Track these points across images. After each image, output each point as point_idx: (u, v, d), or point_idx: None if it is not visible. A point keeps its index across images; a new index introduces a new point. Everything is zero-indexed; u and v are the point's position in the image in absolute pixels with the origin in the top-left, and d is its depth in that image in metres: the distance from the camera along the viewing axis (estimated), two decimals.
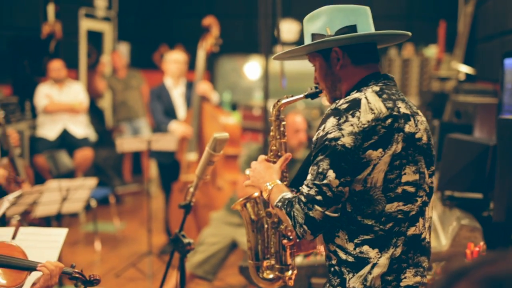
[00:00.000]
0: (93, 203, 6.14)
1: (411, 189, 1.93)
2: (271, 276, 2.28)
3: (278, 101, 2.21)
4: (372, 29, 2.04)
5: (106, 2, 9.18)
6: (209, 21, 5.80)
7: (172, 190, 5.81)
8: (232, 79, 10.05)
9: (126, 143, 5.34)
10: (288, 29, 9.25)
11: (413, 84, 8.04)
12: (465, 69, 6.57)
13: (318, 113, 7.88)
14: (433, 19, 8.29)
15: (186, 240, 2.68)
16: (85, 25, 8.70)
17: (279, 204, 1.97)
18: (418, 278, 1.96)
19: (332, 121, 1.87)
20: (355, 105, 1.88)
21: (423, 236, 1.98)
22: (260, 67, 9.71)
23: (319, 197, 1.85)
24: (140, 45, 9.90)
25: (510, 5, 5.06)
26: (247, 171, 2.24)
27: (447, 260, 2.97)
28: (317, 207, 1.85)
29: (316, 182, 1.86)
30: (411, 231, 1.94)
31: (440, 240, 3.13)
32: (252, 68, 9.85)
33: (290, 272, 2.26)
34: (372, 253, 1.91)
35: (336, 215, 1.88)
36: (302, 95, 2.16)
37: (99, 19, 9.10)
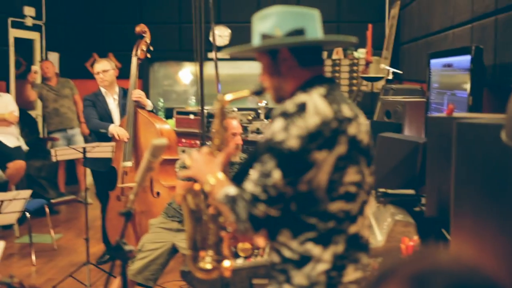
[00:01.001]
0: (28, 215, 6.02)
1: (352, 189, 1.99)
2: (208, 266, 2.30)
3: (224, 95, 2.22)
4: (319, 33, 2.08)
5: (35, 12, 9.01)
6: (141, 28, 5.79)
7: (109, 198, 5.76)
8: (166, 86, 10.03)
9: (60, 152, 5.26)
10: (219, 34, 9.31)
11: (343, 85, 8.21)
12: (392, 70, 6.77)
13: (252, 116, 7.94)
14: (361, 22, 8.49)
15: (127, 248, 2.67)
16: (14, 34, 8.52)
17: (223, 199, 1.99)
18: (359, 273, 2.02)
19: (279, 123, 1.91)
20: (302, 108, 1.91)
21: (362, 233, 2.06)
22: (191, 73, 9.75)
23: (263, 196, 1.88)
24: (70, 55, 9.73)
25: (433, 8, 5.26)
26: (187, 161, 2.23)
27: (383, 255, 3.07)
28: (260, 205, 1.88)
29: (261, 181, 1.89)
30: (352, 229, 2.01)
31: (376, 236, 3.23)
32: (185, 74, 9.86)
33: (227, 263, 2.29)
34: (315, 250, 1.96)
35: (278, 213, 1.92)
36: (247, 92, 2.19)
37: (28, 29, 8.92)
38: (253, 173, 1.94)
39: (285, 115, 1.92)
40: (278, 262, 2.04)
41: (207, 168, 2.13)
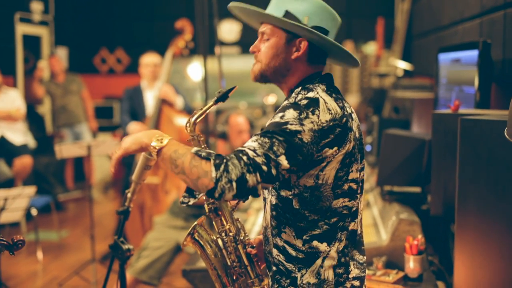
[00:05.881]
0: (34, 212, 6.00)
1: (354, 186, 1.98)
2: None
3: (189, 119, 2.08)
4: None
5: (42, 6, 9.01)
6: (182, 23, 5.73)
7: None
8: (175, 81, 9.97)
9: (65, 149, 5.23)
10: (229, 29, 9.25)
11: (353, 81, 8.14)
12: (403, 65, 6.68)
13: (260, 112, 7.90)
14: (371, 16, 8.41)
15: (125, 246, 2.62)
16: (21, 29, 8.52)
17: (203, 153, 1.77)
18: (357, 271, 2.00)
19: (292, 112, 1.84)
20: (314, 103, 1.87)
21: (359, 230, 2.04)
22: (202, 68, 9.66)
23: (264, 168, 1.74)
24: (78, 49, 9.74)
25: (443, 2, 5.17)
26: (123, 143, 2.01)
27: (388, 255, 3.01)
28: (257, 175, 1.73)
29: (267, 153, 1.75)
30: (352, 226, 2.00)
31: (381, 235, 3.17)
32: (195, 70, 9.79)
33: (266, 280, 2.12)
34: (322, 247, 1.94)
35: (260, 193, 1.78)
36: (211, 103, 2.06)
37: (36, 24, 8.92)
38: (255, 143, 1.78)
39: (297, 106, 1.86)
40: (280, 263, 2.00)
41: (151, 132, 1.93)
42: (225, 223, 2.14)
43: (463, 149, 2.49)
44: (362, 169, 2.04)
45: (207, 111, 2.08)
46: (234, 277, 2.14)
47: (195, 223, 2.18)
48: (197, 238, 2.17)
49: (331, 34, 2.02)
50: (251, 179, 1.72)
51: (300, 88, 1.99)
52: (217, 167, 1.72)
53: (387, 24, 8.07)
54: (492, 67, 3.28)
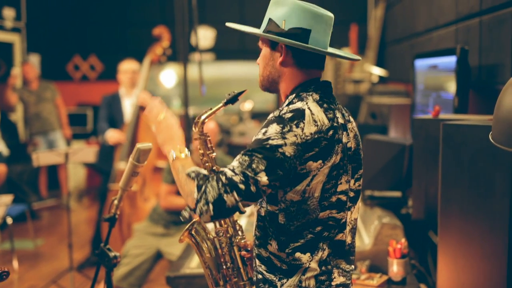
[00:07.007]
0: (9, 221, 5.93)
1: (343, 197, 1.96)
2: None
3: (199, 117, 2.11)
4: (327, 40, 2.02)
5: (14, 13, 8.91)
6: (160, 30, 5.70)
7: (107, 199, 5.67)
8: (149, 88, 9.92)
9: (42, 157, 5.18)
10: (203, 35, 9.25)
11: None
12: (377, 71, 6.75)
13: (237, 119, 7.91)
14: (344, 23, 8.48)
15: (112, 254, 2.62)
16: None
17: (193, 174, 1.88)
18: (342, 279, 2.00)
19: (275, 127, 1.84)
20: (300, 115, 1.86)
21: (347, 241, 2.02)
22: (176, 74, 9.63)
23: (242, 186, 1.79)
24: (51, 56, 9.64)
25: (418, 9, 5.25)
26: (153, 125, 2.16)
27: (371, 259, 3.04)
28: (235, 194, 1.79)
29: (244, 172, 1.80)
30: (338, 237, 1.98)
31: (363, 239, 3.20)
32: (168, 76, 9.75)
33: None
34: (304, 258, 1.93)
35: (245, 210, 1.84)
36: (221, 104, 2.09)
37: (8, 30, 8.82)
38: (236, 162, 1.84)
39: (281, 120, 1.85)
40: (263, 271, 2.00)
41: (174, 140, 2.09)
42: (223, 223, 2.17)
43: (445, 153, 2.53)
44: (358, 179, 2.03)
45: (216, 112, 2.11)
46: (227, 278, 2.16)
47: (194, 220, 2.19)
48: (194, 234, 2.20)
49: (315, 31, 1.96)
50: (228, 199, 1.79)
51: (294, 95, 1.98)
52: (198, 188, 1.83)
53: (360, 30, 8.15)
54: (469, 73, 3.35)
